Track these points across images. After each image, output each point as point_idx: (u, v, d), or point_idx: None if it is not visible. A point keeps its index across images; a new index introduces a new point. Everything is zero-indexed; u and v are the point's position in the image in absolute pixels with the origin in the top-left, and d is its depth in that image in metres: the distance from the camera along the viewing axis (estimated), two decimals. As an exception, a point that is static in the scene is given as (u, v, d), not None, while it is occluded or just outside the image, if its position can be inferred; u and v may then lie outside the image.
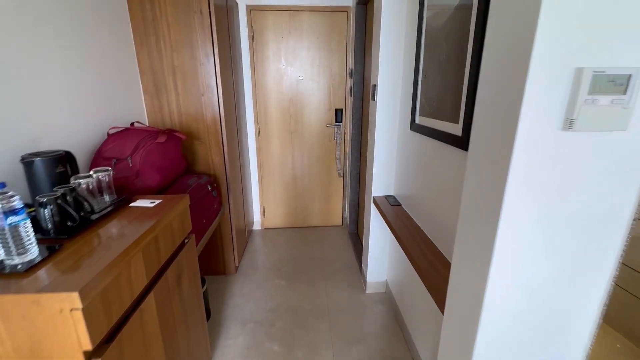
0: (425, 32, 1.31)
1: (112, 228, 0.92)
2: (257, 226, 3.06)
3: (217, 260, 2.25)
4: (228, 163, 2.04)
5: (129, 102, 1.75)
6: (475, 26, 0.92)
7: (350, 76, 2.59)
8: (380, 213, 1.73)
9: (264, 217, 3.03)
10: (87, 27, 1.40)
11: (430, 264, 1.19)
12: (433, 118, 1.26)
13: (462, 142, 1.02)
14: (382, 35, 1.61)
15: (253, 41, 2.53)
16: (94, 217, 0.95)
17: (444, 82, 1.15)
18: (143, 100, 1.89)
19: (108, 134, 1.45)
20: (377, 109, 1.71)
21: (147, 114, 1.92)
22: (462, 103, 1.02)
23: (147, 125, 1.93)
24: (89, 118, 1.39)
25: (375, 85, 1.73)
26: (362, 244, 2.62)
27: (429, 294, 1.36)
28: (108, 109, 1.54)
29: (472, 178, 0.75)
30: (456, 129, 1.06)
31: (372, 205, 1.89)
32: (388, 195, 1.86)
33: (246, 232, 2.70)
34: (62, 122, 1.24)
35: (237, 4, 2.42)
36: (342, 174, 2.93)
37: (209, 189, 1.79)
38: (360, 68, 2.48)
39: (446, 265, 1.15)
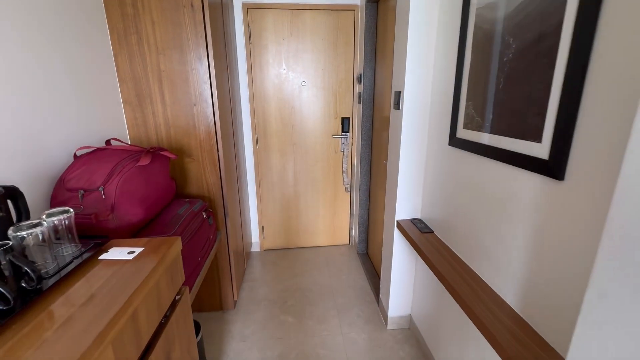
0: (475, 27, 1.06)
1: (66, 306, 0.62)
2: (255, 247, 2.76)
3: (213, 294, 1.94)
4: (225, 183, 1.75)
5: (105, 115, 1.44)
6: (581, 10, 0.67)
7: (359, 82, 2.35)
8: (408, 240, 1.46)
9: (263, 237, 2.73)
10: (47, 23, 1.10)
11: (487, 308, 0.93)
12: (489, 133, 1.01)
13: (548, 167, 0.77)
14: (410, 35, 1.36)
15: (250, 43, 2.26)
16: (42, 285, 0.66)
17: (512, 88, 0.90)
18: (123, 113, 1.59)
19: (75, 156, 1.15)
20: (402, 120, 1.46)
21: (129, 129, 1.61)
22: (547, 116, 0.76)
23: (128, 143, 1.62)
24: (50, 136, 1.09)
25: (400, 93, 1.48)
26: (374, 267, 2.35)
27: (472, 338, 1.09)
28: (77, 124, 1.24)
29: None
30: (538, 150, 0.80)
31: (396, 230, 1.62)
32: (415, 219, 1.60)
33: (244, 256, 2.40)
34: (9, 143, 0.93)
35: (231, 1, 2.15)
36: (349, 189, 2.67)
37: (204, 216, 1.49)
38: (370, 72, 2.23)
39: (509, 314, 0.89)
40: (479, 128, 1.06)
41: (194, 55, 1.54)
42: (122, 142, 1.33)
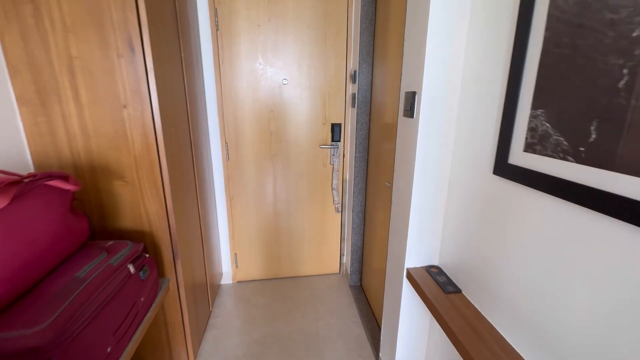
0: (550, 5, 0.64)
1: None
2: (226, 279, 2.28)
3: (159, 358, 1.46)
4: (173, 213, 1.28)
5: None
6: None
7: (353, 80, 1.92)
8: (424, 299, 1.03)
9: (236, 267, 2.26)
10: None
11: None
12: (584, 164, 0.58)
13: None
14: (432, 19, 0.94)
15: (218, 30, 1.80)
16: None
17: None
18: (17, 115, 1.10)
19: None
20: (418, 132, 1.03)
21: (27, 139, 1.13)
22: None
23: (28, 158, 1.14)
24: None
25: (414, 95, 1.05)
26: (370, 305, 1.92)
27: None
28: None
29: None
30: None
31: (405, 281, 1.19)
32: (431, 267, 1.17)
33: (209, 294, 1.92)
34: None
35: (192, -25, 1.69)
36: (340, 209, 2.23)
37: (131, 270, 1.02)
38: (366, 69, 1.81)
39: None
40: (560, 153, 0.64)
41: (120, 36, 1.07)
42: (-15, 164, 0.85)
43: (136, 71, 1.11)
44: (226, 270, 2.26)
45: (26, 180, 0.78)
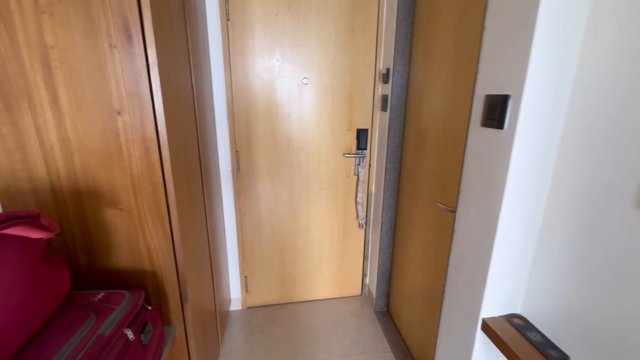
0: None
1: None
2: (235, 305, 2.01)
3: (163, 420, 1.19)
4: (181, 247, 1.01)
5: None
6: None
7: (384, 80, 1.66)
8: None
9: (247, 291, 1.99)
10: None
11: None
12: None
13: None
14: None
15: (228, 20, 1.53)
16: None
17: None
18: (-26, 125, 0.82)
19: None
20: (512, 149, 0.78)
21: (-11, 155, 0.85)
22: None
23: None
24: None
25: (506, 99, 0.79)
26: (401, 335, 1.67)
27: None
28: None
29: None
30: None
31: (480, 335, 0.94)
32: (513, 317, 0.92)
33: (217, 326, 1.65)
34: None
35: (199, -47, 1.42)
36: (364, 225, 1.98)
37: (129, 336, 0.75)
38: (402, 67, 1.56)
39: None
40: None
41: (113, 19, 0.80)
42: None
43: (134, 66, 0.84)
44: (235, 296, 1.99)
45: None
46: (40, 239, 0.62)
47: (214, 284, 1.53)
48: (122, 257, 0.99)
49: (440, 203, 1.24)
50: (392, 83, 1.58)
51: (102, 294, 0.82)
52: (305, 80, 1.67)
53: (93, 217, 0.94)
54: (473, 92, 0.93)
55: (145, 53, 0.84)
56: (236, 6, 1.52)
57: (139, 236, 0.97)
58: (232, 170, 1.74)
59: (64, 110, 0.84)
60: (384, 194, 1.75)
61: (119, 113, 0.87)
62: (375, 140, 1.84)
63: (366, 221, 1.99)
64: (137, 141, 0.89)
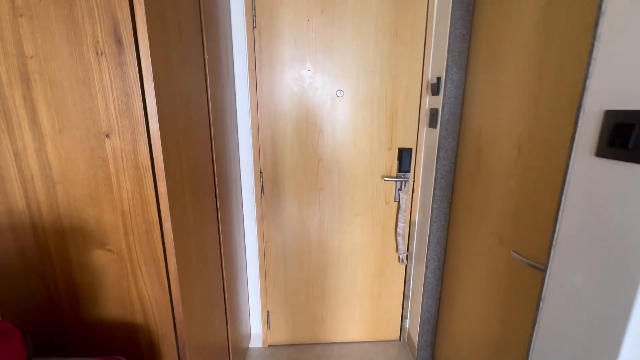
0: None
1: None
2: (255, 342, 1.80)
3: None
4: (180, 299, 0.81)
5: None
6: None
7: (434, 92, 1.40)
8: None
9: (268, 328, 1.77)
10: None
11: None
12: None
13: None
14: None
15: (255, 27, 1.37)
16: None
17: None
18: (-53, 150, 0.70)
19: None
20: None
21: (-37, 185, 0.72)
22: None
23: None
24: None
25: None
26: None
27: None
28: None
29: None
30: None
31: None
32: None
33: (234, 378, 1.44)
34: None
35: (224, -46, 1.28)
36: (405, 260, 1.68)
37: None
38: (458, 76, 1.28)
39: None
40: None
41: (100, 22, 0.64)
42: None
43: (125, 77, 0.67)
44: (256, 332, 1.77)
45: None
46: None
47: (229, 319, 1.32)
48: (111, 309, 0.81)
49: (515, 252, 0.94)
50: (444, 94, 1.31)
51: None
52: (339, 93, 1.46)
53: (78, 259, 0.77)
54: (579, 106, 0.65)
55: (138, 61, 0.67)
56: (264, 12, 1.35)
57: (130, 284, 0.79)
58: (256, 192, 1.56)
59: (45, 133, 0.69)
60: (430, 225, 1.46)
61: (107, 135, 0.70)
62: (421, 162, 1.56)
63: (407, 255, 1.69)
64: (129, 170, 0.72)
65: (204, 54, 1.02)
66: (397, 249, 1.68)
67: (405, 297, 1.77)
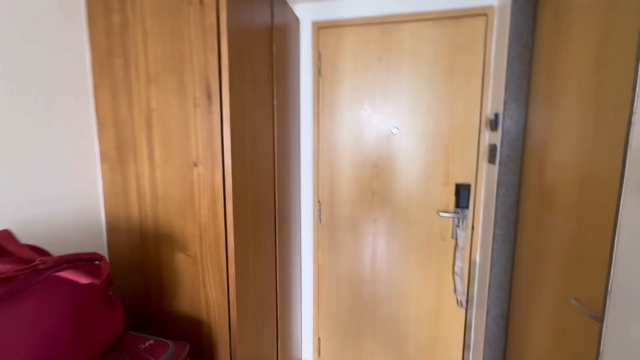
0: None
1: None
2: (306, 367, 1.84)
3: None
4: (235, 303, 0.96)
5: (72, 176, 0.90)
6: None
7: (492, 127, 1.38)
8: None
9: (319, 355, 1.80)
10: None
11: None
12: None
13: None
14: None
15: (319, 74, 1.59)
16: None
17: None
18: (98, 172, 1.02)
19: None
20: None
21: (104, 198, 1.03)
22: None
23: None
24: None
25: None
26: None
27: None
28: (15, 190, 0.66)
29: None
30: None
31: None
32: None
33: (282, 397, 1.50)
34: None
35: (298, 20, 1.56)
36: (464, 303, 1.57)
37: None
38: (517, 112, 1.26)
39: None
40: None
41: (198, 83, 0.89)
42: (13, 236, 0.69)
43: (211, 122, 0.90)
44: (306, 358, 1.82)
45: (25, 272, 0.56)
46: (98, 281, 0.66)
47: (280, 339, 1.42)
48: (185, 303, 1.00)
49: (575, 299, 0.84)
50: (502, 130, 1.28)
51: (151, 341, 0.82)
52: (394, 130, 1.54)
53: (167, 260, 1.00)
54: (626, 142, 0.62)
55: (220, 110, 0.89)
56: (328, 62, 1.57)
57: (200, 284, 0.98)
58: (313, 220, 1.70)
59: (156, 162, 0.96)
60: (491, 267, 1.36)
61: (195, 165, 0.93)
62: (481, 199, 1.50)
63: (467, 299, 1.58)
64: (207, 191, 0.93)
65: (273, 101, 1.25)
66: (454, 290, 1.58)
67: (465, 346, 1.62)
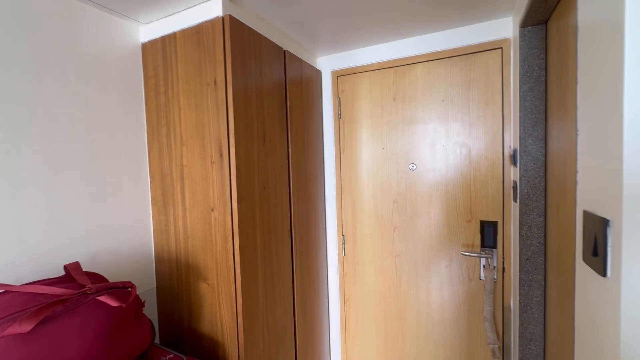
0: None
1: None
2: (337, 400, 1.85)
3: None
4: (243, 327, 1.11)
5: (131, 216, 1.21)
6: None
7: (513, 163, 1.30)
8: None
9: (348, 389, 1.80)
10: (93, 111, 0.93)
11: None
12: None
13: None
14: None
15: (340, 117, 1.72)
16: None
17: None
18: (150, 213, 1.31)
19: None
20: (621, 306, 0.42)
21: (154, 234, 1.31)
22: None
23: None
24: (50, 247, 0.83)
25: (605, 224, 0.46)
26: None
27: None
28: (88, 228, 0.98)
29: None
30: None
31: None
32: None
33: None
34: None
35: (319, 72, 1.74)
36: (498, 353, 1.43)
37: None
38: (535, 146, 1.18)
39: None
40: None
41: (214, 145, 1.11)
42: (80, 270, 0.97)
43: (222, 175, 1.10)
44: (336, 389, 1.84)
45: (84, 293, 0.80)
46: (124, 305, 0.88)
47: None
48: (206, 325, 1.19)
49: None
50: (521, 166, 1.21)
51: (171, 355, 1.01)
52: (411, 166, 1.56)
53: (194, 287, 1.21)
54: (565, 170, 0.59)
55: (229, 165, 1.09)
56: (347, 106, 1.70)
57: (216, 310, 1.16)
58: (339, 253, 1.77)
59: (187, 207, 1.20)
60: (519, 316, 1.24)
61: (212, 209, 1.14)
62: (510, 238, 1.39)
63: (503, 348, 1.43)
64: (220, 232, 1.12)
65: (287, 148, 1.42)
66: (487, 339, 1.46)
67: (505, 402, 1.45)
